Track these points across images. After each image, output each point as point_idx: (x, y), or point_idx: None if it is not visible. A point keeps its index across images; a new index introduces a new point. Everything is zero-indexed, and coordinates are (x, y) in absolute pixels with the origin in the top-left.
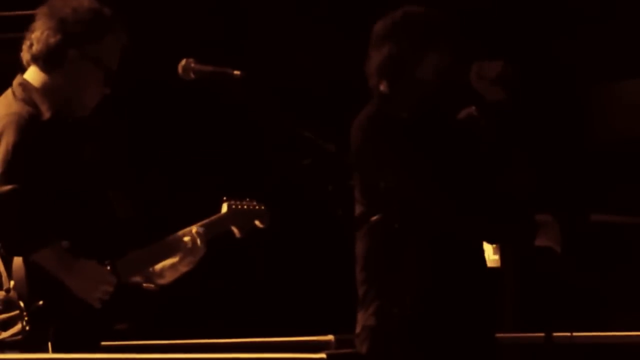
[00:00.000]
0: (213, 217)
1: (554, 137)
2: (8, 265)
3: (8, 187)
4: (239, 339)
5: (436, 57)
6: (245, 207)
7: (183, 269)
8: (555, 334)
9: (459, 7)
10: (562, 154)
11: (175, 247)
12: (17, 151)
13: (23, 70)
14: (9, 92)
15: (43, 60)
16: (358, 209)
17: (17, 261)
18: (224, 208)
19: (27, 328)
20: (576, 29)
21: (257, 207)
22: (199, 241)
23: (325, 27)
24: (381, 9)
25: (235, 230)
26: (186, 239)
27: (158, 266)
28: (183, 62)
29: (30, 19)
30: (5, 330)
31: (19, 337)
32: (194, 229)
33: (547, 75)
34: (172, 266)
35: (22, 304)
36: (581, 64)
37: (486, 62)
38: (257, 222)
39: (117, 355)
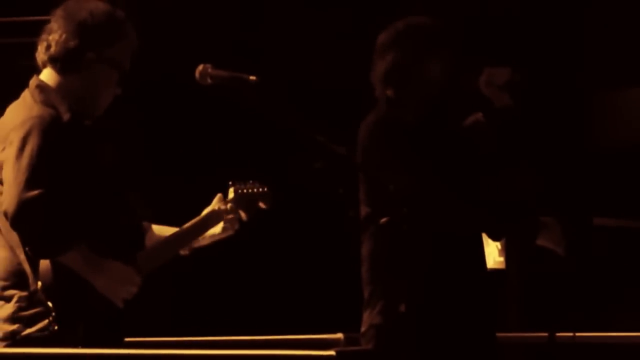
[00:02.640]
0: (224, 202)
1: (557, 142)
2: (34, 266)
3: (35, 192)
4: (250, 337)
5: (438, 65)
6: (249, 190)
7: (220, 237)
8: (558, 334)
9: (465, 14)
10: (565, 159)
11: (213, 222)
12: (42, 155)
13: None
14: (26, 94)
15: (61, 62)
16: (363, 211)
17: (44, 262)
18: (231, 193)
19: (56, 327)
20: (581, 36)
21: (260, 190)
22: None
23: (338, 31)
24: (390, 14)
25: (242, 214)
26: (228, 207)
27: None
28: (200, 67)
29: (33, 24)
30: (31, 326)
31: (45, 332)
32: (221, 205)
33: (552, 82)
34: (211, 235)
35: (50, 304)
36: (585, 72)
37: (495, 68)
38: (261, 204)
39: (136, 351)
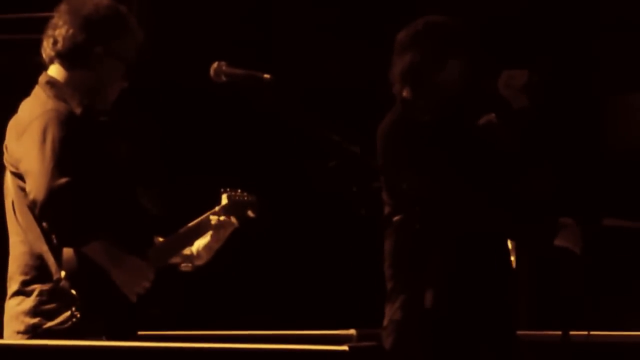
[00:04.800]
0: (217, 208)
1: (572, 145)
2: (58, 257)
3: (63, 180)
4: (263, 331)
5: (456, 65)
6: (240, 197)
7: (215, 246)
8: (572, 332)
9: (481, 16)
10: (579, 161)
11: (203, 229)
12: (64, 145)
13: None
14: (38, 90)
15: (69, 57)
16: (386, 210)
17: (68, 252)
18: (224, 199)
19: (79, 316)
20: (595, 40)
21: (249, 198)
22: (223, 218)
23: (352, 32)
24: (406, 15)
25: (233, 220)
26: (213, 217)
27: (194, 248)
28: (215, 64)
29: (30, 21)
30: (52, 319)
31: (67, 325)
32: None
33: (566, 85)
34: (206, 246)
35: (74, 292)
36: (599, 75)
37: (514, 70)
38: (249, 212)
39: (151, 344)
